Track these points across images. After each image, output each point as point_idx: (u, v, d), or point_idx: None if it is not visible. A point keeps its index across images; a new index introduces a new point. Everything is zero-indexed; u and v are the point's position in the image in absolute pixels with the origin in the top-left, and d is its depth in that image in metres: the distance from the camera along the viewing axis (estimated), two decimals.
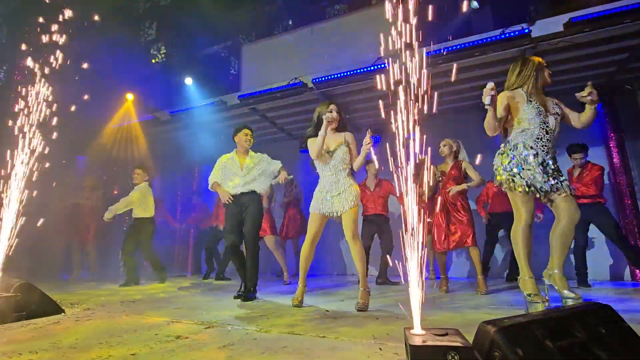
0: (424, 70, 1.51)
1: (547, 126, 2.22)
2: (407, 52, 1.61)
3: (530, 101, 2.24)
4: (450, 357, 0.99)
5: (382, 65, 3.76)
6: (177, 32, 6.47)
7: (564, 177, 2.22)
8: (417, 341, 1.04)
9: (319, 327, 1.91)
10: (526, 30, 3.55)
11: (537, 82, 2.30)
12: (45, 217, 5.87)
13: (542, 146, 2.20)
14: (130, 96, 6.11)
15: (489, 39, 3.72)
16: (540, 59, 2.38)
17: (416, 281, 1.19)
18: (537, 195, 2.20)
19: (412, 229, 1.23)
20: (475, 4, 4.22)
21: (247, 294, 2.99)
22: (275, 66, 5.44)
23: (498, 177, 2.29)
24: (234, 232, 3.12)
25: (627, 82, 4.49)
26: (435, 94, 1.67)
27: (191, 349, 1.53)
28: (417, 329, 1.14)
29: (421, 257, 1.21)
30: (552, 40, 3.52)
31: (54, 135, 3.51)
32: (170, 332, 1.84)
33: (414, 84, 1.51)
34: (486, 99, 2.12)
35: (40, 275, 5.10)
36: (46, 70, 3.63)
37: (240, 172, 3.22)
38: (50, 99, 3.52)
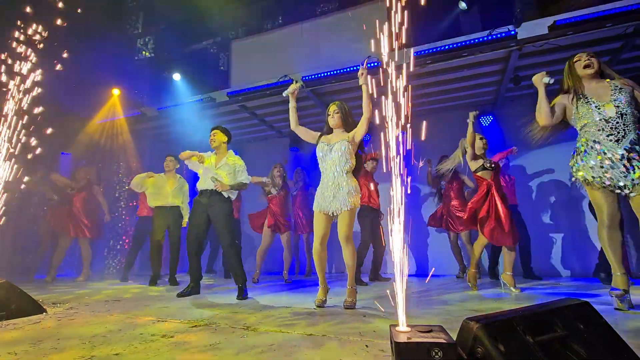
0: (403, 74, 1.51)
1: (603, 116, 2.18)
2: (395, 52, 1.62)
3: (580, 97, 2.27)
4: (434, 354, 1.00)
5: (371, 64, 3.76)
6: (164, 26, 6.35)
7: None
8: (402, 338, 1.05)
9: (307, 325, 1.91)
10: (512, 32, 3.62)
11: (575, 78, 2.34)
12: (27, 215, 5.73)
13: (607, 137, 2.15)
14: (116, 91, 5.98)
15: (476, 40, 3.77)
16: (574, 58, 2.40)
17: (401, 279, 1.20)
18: (618, 192, 2.14)
19: (399, 223, 1.24)
20: (463, 5, 4.26)
21: (241, 294, 2.99)
22: (265, 63, 5.40)
23: (575, 176, 2.29)
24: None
25: None
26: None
27: (176, 348, 1.52)
28: (402, 326, 1.15)
29: (404, 254, 1.22)
30: (537, 43, 3.60)
31: (31, 131, 3.42)
32: (156, 331, 1.82)
33: (399, 85, 1.51)
34: (546, 79, 2.26)
35: (19, 275, 4.98)
36: (27, 64, 3.52)
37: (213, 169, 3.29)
38: (31, 93, 3.43)
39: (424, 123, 1.61)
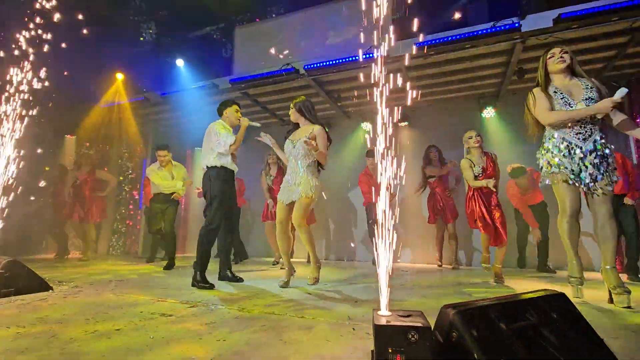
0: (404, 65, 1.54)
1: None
2: (400, 43, 1.64)
3: (555, 92, 2.27)
4: (410, 336, 1.07)
5: (370, 55, 3.75)
6: (168, 11, 6.32)
7: (605, 170, 2.16)
8: (382, 321, 1.12)
9: (298, 308, 2.00)
10: (516, 25, 3.58)
11: (548, 74, 2.34)
12: (35, 196, 5.88)
13: (575, 134, 2.20)
14: (120, 76, 6.02)
15: (480, 32, 3.73)
16: (548, 54, 2.36)
17: (385, 266, 1.26)
18: (579, 186, 2.21)
19: (383, 211, 1.30)
20: None
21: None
22: (268, 50, 5.39)
23: (542, 166, 2.35)
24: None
25: (614, 78, 4.57)
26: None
27: (174, 325, 1.61)
28: (384, 310, 1.22)
29: (390, 243, 1.28)
30: (541, 36, 3.56)
31: (34, 112, 3.49)
32: (155, 310, 1.92)
33: (398, 75, 1.54)
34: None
35: (28, 254, 5.14)
36: (31, 49, 3.56)
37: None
38: (35, 79, 3.49)
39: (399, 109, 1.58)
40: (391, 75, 1.52)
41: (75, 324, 1.61)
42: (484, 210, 3.16)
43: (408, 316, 1.19)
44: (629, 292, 2.06)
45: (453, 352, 1.12)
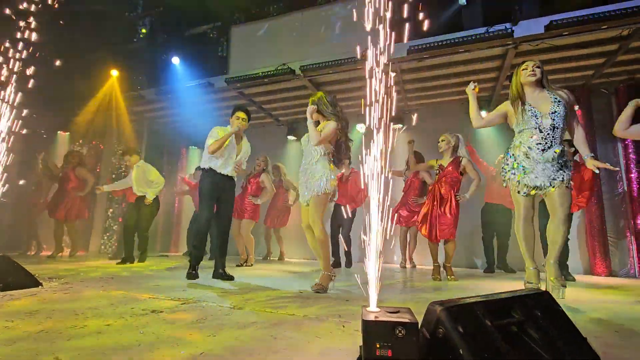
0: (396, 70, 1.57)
1: (538, 125, 2.34)
2: (392, 46, 1.67)
3: (524, 104, 2.41)
4: (397, 332, 1.09)
5: (366, 57, 3.79)
6: (164, 9, 6.30)
7: (563, 172, 2.33)
8: (370, 317, 1.14)
9: (290, 306, 2.02)
10: (509, 30, 3.64)
11: (519, 87, 2.46)
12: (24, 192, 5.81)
13: (537, 144, 2.34)
14: (114, 72, 5.98)
15: (474, 36, 3.79)
16: (522, 66, 2.50)
17: (374, 263, 1.29)
18: (533, 193, 2.39)
19: (376, 209, 1.32)
20: (462, 0, 4.26)
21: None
22: (264, 50, 5.41)
23: (503, 177, 2.52)
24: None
25: (603, 85, 4.66)
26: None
27: (164, 322, 1.61)
28: (373, 306, 1.24)
29: (380, 242, 1.31)
30: (533, 42, 3.63)
31: (25, 112, 3.46)
32: (147, 306, 1.92)
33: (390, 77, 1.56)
34: (471, 85, 2.60)
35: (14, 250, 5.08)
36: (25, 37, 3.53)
37: (235, 156, 3.22)
38: (28, 71, 3.46)
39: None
40: (385, 76, 1.54)
41: (64, 320, 1.60)
42: (431, 206, 3.45)
43: (396, 312, 1.21)
44: (564, 286, 2.30)
45: (439, 347, 1.15)
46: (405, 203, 4.70)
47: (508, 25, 3.72)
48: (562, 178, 2.31)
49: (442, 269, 3.55)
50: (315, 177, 2.65)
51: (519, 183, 2.40)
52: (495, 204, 4.42)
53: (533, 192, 2.39)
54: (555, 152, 2.31)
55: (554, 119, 2.32)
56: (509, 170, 2.46)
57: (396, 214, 4.73)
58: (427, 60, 4.13)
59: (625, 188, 4.38)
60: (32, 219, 5.67)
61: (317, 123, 2.86)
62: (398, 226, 4.89)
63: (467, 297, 1.32)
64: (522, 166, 2.38)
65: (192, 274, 3.04)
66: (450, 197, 3.41)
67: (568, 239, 3.36)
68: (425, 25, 4.41)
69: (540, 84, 2.44)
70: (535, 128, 2.35)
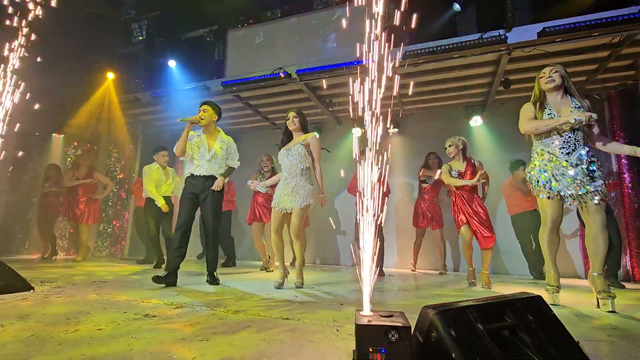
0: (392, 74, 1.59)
1: (559, 130, 2.32)
2: (386, 51, 1.69)
3: (544, 109, 2.40)
4: (390, 336, 1.10)
5: (359, 62, 3.81)
6: (161, 12, 6.31)
7: (596, 183, 2.24)
8: (363, 321, 1.14)
9: (285, 311, 2.01)
10: (503, 36, 3.68)
11: (540, 92, 2.48)
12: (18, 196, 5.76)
13: (559, 149, 2.32)
14: (110, 75, 5.96)
15: (467, 42, 3.83)
16: (540, 73, 2.51)
17: (368, 267, 1.29)
18: (563, 200, 2.33)
19: (368, 213, 1.33)
20: (457, 7, 4.32)
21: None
22: (260, 54, 5.42)
23: (530, 183, 2.48)
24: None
25: (595, 91, 4.73)
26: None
27: (157, 326, 1.60)
28: (367, 310, 1.24)
29: (375, 245, 1.31)
30: (526, 48, 3.67)
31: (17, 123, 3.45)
32: (139, 310, 1.90)
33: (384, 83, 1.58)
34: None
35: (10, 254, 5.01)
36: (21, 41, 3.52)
37: (207, 154, 3.13)
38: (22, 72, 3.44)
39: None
40: (382, 81, 1.56)
41: (56, 324, 1.59)
42: (466, 210, 3.31)
43: (389, 316, 1.21)
44: (613, 297, 2.17)
45: (432, 351, 1.15)
46: (423, 206, 4.77)
47: (502, 31, 3.77)
48: (599, 189, 2.23)
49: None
50: (302, 191, 2.86)
51: (544, 187, 2.34)
52: (520, 213, 4.44)
53: (559, 200, 2.33)
54: (581, 154, 2.27)
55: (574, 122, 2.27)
56: (534, 177, 2.42)
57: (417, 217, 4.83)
58: (423, 65, 4.16)
59: (618, 192, 4.43)
60: (50, 222, 5.54)
61: (289, 134, 3.07)
62: (413, 230, 4.93)
63: (460, 301, 1.33)
64: (548, 171, 2.34)
65: (160, 278, 2.81)
66: (477, 201, 3.31)
67: (613, 246, 3.30)
68: (421, 32, 4.45)
69: (562, 88, 2.43)
70: (555, 133, 2.34)
